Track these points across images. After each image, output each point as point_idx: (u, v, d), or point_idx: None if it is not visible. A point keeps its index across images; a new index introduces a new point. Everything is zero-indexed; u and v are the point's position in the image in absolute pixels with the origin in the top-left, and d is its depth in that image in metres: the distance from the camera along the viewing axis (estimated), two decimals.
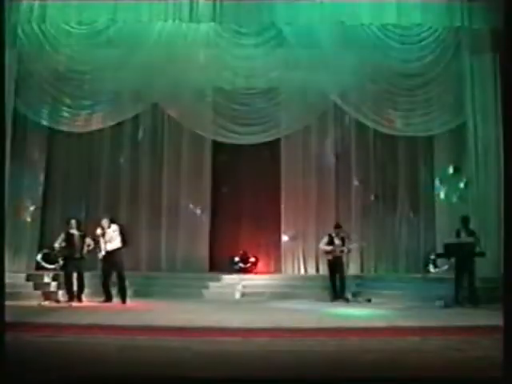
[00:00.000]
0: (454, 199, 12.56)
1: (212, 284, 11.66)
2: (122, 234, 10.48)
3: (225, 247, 13.02)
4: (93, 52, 11.59)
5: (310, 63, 11.73)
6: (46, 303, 10.10)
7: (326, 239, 10.93)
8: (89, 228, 11.21)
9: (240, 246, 12.89)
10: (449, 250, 10.10)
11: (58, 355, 5.86)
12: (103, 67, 11.64)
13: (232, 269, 12.46)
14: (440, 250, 10.94)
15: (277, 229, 13.04)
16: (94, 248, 10.54)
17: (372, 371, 5.31)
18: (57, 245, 10.48)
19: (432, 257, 11.58)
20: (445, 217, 12.49)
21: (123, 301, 10.28)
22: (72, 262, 10.40)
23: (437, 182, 12.83)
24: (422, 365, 5.53)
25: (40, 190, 12.79)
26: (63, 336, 6.84)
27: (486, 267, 10.22)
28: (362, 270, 12.70)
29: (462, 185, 12.40)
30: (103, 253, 10.37)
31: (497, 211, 10.79)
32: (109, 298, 10.34)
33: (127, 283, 10.56)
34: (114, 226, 10.51)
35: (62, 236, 10.51)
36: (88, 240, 10.53)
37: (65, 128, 12.04)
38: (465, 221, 10.30)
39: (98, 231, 10.42)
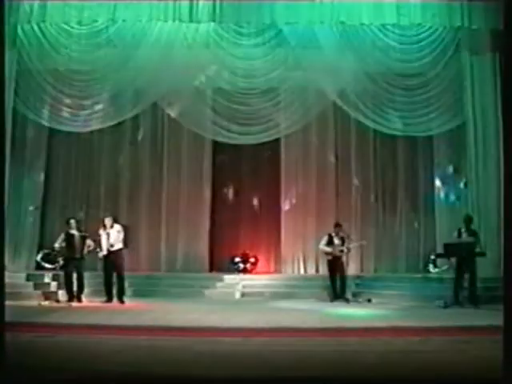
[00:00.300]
0: (454, 199, 12.57)
1: (212, 284, 11.67)
2: (125, 234, 10.49)
3: (225, 247, 13.03)
4: (93, 52, 11.62)
5: (309, 63, 11.75)
6: (46, 303, 10.10)
7: (325, 239, 10.92)
8: (89, 228, 11.23)
9: (240, 246, 12.90)
10: (449, 250, 10.09)
11: (58, 355, 5.86)
12: (103, 67, 11.65)
13: (232, 269, 12.47)
14: (440, 250, 10.92)
15: (277, 229, 13.05)
16: (94, 248, 10.53)
17: (372, 371, 5.30)
18: (57, 245, 10.48)
19: (432, 257, 11.62)
20: (445, 217, 12.51)
21: (122, 301, 10.27)
22: (72, 262, 10.38)
23: (437, 182, 12.83)
24: (422, 365, 5.52)
25: (40, 190, 12.79)
26: (63, 336, 6.83)
27: (486, 267, 10.20)
28: (361, 269, 12.69)
29: (461, 185, 12.41)
30: (105, 252, 10.36)
31: (497, 211, 10.80)
32: (110, 299, 10.33)
33: (127, 283, 10.56)
34: (118, 226, 10.51)
35: (62, 236, 10.49)
36: (88, 241, 10.52)
37: (65, 128, 12.05)
38: (467, 220, 10.27)
39: (101, 230, 10.42)
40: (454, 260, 10.09)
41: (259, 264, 12.88)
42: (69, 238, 10.45)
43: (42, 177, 12.84)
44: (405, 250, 12.89)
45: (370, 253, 12.81)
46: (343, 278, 10.73)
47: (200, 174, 13.14)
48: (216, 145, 12.99)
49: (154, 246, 12.93)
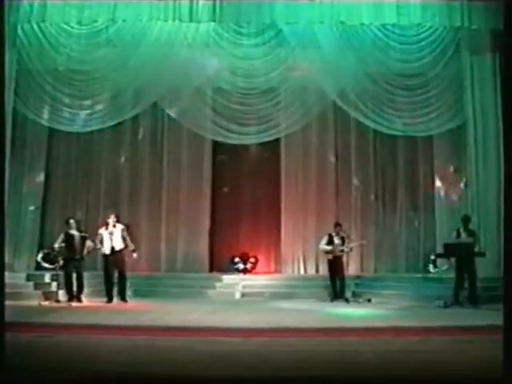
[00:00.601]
0: (454, 199, 12.56)
1: (212, 284, 11.67)
2: (126, 235, 10.50)
3: (225, 247, 13.02)
4: (93, 52, 11.62)
5: (309, 63, 11.76)
6: (46, 303, 10.09)
7: (325, 239, 10.91)
8: (89, 228, 11.23)
9: (240, 246, 12.90)
10: (449, 250, 10.09)
11: (58, 355, 5.86)
12: (103, 67, 11.65)
13: (232, 269, 12.46)
14: (440, 250, 10.92)
15: (277, 229, 13.04)
16: (94, 248, 10.53)
17: (372, 371, 5.31)
18: (57, 245, 10.47)
19: (432, 257, 11.61)
20: (445, 217, 12.49)
21: (124, 300, 10.28)
22: (72, 262, 10.38)
23: (437, 182, 12.83)
24: (422, 365, 5.52)
25: (40, 190, 12.79)
26: (63, 336, 6.83)
27: (485, 267, 10.20)
28: (361, 269, 12.69)
29: (462, 185, 12.41)
30: (107, 251, 10.35)
31: (497, 211, 10.81)
32: (111, 299, 10.32)
33: (127, 283, 10.56)
34: (121, 226, 10.51)
35: (62, 236, 10.49)
36: (88, 242, 10.51)
37: (65, 128, 12.05)
38: (465, 220, 10.28)
39: (103, 229, 10.41)
40: (453, 260, 10.10)
41: (259, 264, 12.86)
42: (68, 238, 10.45)
43: (42, 177, 12.82)
44: (405, 249, 12.87)
45: (370, 253, 12.80)
46: (343, 278, 10.74)
47: (200, 174, 13.13)
48: (216, 145, 12.99)
49: (154, 246, 12.91)
